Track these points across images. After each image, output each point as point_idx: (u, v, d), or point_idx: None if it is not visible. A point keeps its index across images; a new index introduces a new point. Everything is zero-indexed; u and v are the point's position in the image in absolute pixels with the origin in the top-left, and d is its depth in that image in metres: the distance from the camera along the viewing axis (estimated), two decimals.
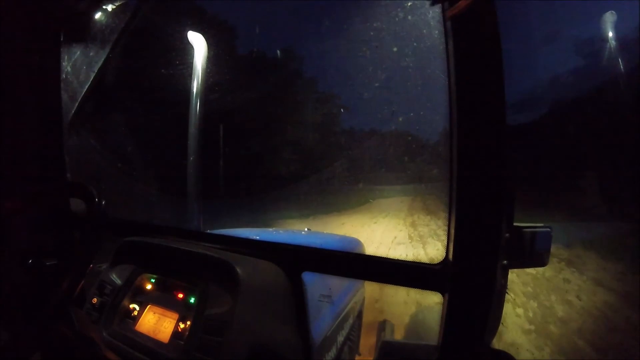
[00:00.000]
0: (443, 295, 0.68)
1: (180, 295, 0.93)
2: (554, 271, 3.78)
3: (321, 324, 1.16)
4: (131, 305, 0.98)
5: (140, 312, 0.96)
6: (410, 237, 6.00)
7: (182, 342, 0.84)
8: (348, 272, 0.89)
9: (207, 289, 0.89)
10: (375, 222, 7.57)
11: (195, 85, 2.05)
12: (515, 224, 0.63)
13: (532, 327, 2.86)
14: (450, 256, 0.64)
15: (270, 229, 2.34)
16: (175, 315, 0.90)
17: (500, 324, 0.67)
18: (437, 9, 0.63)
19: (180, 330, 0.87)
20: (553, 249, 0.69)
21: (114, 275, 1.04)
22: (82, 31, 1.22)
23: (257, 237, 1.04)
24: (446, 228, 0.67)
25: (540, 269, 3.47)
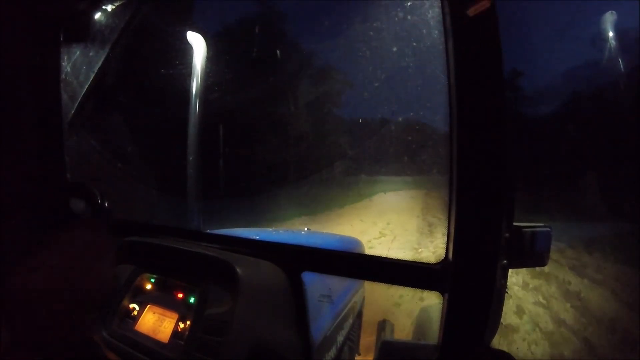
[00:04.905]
0: (443, 295, 0.68)
1: (180, 295, 0.93)
2: (554, 271, 3.78)
3: (321, 324, 1.16)
4: (131, 305, 0.98)
5: (140, 312, 0.96)
6: None
7: (182, 342, 0.84)
8: (348, 272, 0.89)
9: (207, 289, 0.89)
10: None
11: (195, 85, 2.06)
12: (515, 223, 0.63)
13: (532, 327, 2.86)
14: (450, 256, 0.64)
15: (270, 229, 2.34)
16: (175, 315, 0.90)
17: (500, 324, 0.67)
18: (437, 8, 0.63)
19: (180, 330, 0.87)
20: (553, 249, 0.69)
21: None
22: (82, 31, 1.22)
23: (257, 237, 1.04)
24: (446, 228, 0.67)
25: (539, 269, 3.47)
